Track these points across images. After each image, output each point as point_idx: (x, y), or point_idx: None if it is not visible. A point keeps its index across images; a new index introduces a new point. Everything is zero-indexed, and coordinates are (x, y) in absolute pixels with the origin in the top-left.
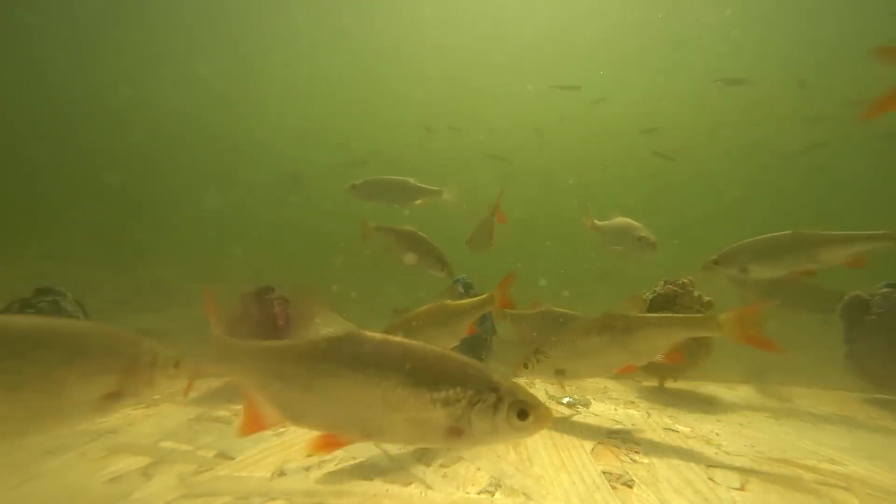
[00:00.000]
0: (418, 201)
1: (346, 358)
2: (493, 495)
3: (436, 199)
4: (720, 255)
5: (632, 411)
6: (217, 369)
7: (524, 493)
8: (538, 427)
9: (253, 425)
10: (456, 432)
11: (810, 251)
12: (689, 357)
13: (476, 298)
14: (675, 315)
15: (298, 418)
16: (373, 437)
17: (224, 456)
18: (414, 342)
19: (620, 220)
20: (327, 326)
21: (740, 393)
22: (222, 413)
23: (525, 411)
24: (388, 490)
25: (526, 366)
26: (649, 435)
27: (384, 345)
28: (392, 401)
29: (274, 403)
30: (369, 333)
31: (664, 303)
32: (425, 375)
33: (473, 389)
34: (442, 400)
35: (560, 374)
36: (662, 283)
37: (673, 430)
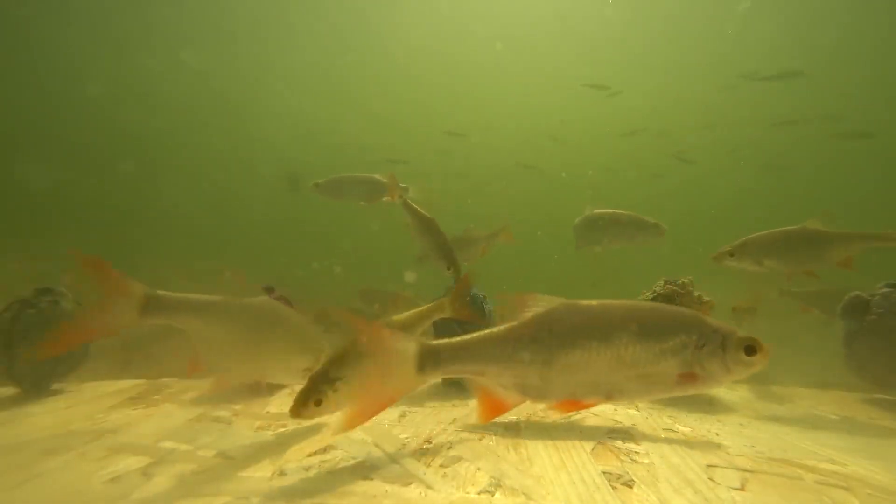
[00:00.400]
0: (385, 198)
1: (577, 327)
2: (493, 495)
3: (404, 195)
4: (734, 246)
5: (632, 411)
6: (446, 374)
7: (524, 493)
8: (765, 360)
9: (493, 412)
10: (689, 378)
11: (822, 248)
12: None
13: (423, 308)
14: None
15: (540, 395)
16: (613, 398)
17: (224, 456)
18: (624, 301)
19: (615, 211)
20: (538, 304)
21: (740, 393)
22: (222, 413)
23: (752, 347)
24: (387, 490)
25: None
26: (649, 435)
27: (604, 308)
28: (627, 359)
29: (511, 387)
30: (583, 302)
31: (664, 302)
32: (651, 329)
33: (697, 334)
34: (671, 349)
35: None
36: (662, 282)
37: (673, 431)
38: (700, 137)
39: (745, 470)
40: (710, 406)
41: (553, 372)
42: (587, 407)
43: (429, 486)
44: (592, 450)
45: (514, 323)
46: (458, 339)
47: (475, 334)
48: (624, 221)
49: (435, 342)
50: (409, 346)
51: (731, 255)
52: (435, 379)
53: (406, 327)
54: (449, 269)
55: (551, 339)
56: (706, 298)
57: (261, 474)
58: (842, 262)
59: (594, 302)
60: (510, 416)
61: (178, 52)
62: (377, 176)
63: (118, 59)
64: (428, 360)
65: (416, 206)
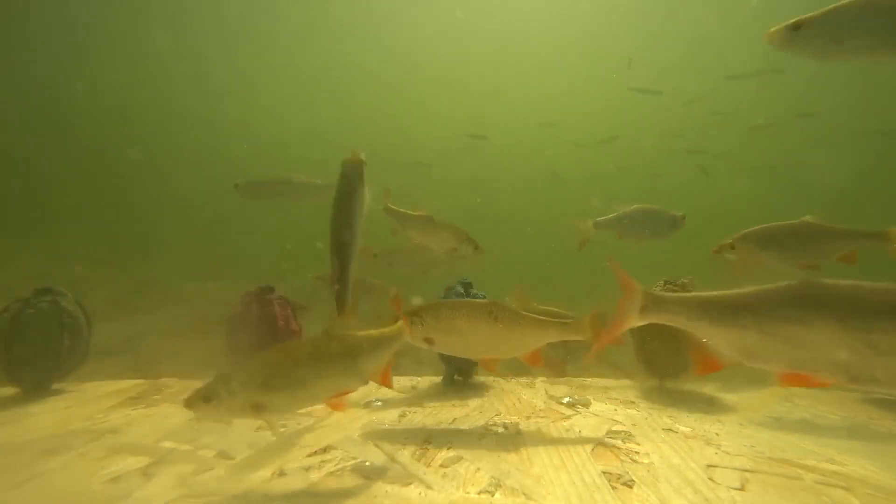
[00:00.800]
0: (310, 198)
1: (812, 304)
2: (493, 495)
3: (329, 196)
4: (736, 238)
5: (632, 411)
6: (659, 319)
7: (524, 493)
8: None
9: (707, 367)
10: None
11: (824, 242)
12: (689, 358)
13: (383, 330)
14: (550, 319)
15: (758, 361)
16: (858, 382)
17: (224, 456)
18: (883, 285)
19: (642, 206)
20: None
21: (740, 393)
22: None
23: None
24: (387, 490)
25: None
26: (649, 435)
27: (854, 287)
28: (882, 346)
29: (727, 347)
30: (826, 280)
31: None
32: None
33: None
34: None
35: (429, 342)
36: (662, 282)
37: (673, 430)
38: (703, 137)
39: (745, 470)
40: (710, 406)
41: (776, 342)
42: (821, 385)
43: (429, 486)
44: (592, 450)
45: (740, 290)
46: (680, 294)
47: (698, 294)
48: (661, 215)
49: (660, 292)
50: (638, 290)
51: (732, 247)
52: (653, 321)
53: (363, 350)
54: (475, 248)
55: (776, 311)
56: None
57: (261, 474)
58: (843, 258)
59: (843, 282)
60: (510, 416)
61: (187, 57)
62: (300, 176)
63: (123, 64)
64: (650, 302)
65: (398, 209)
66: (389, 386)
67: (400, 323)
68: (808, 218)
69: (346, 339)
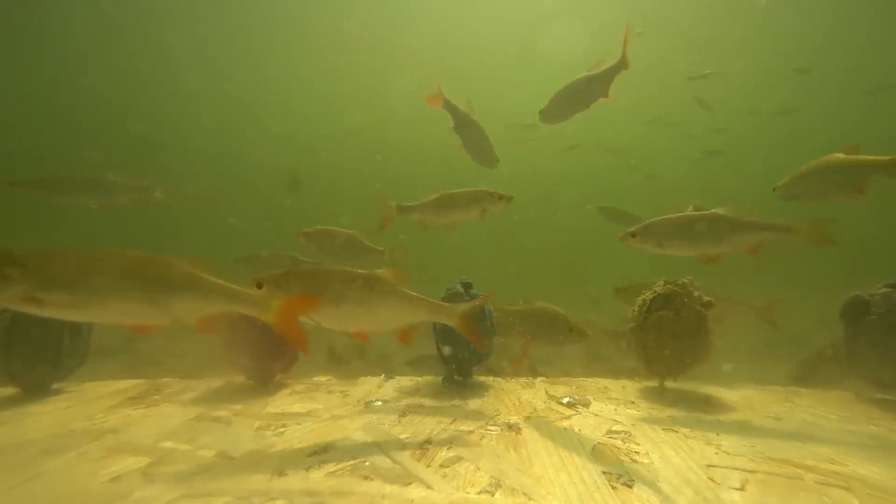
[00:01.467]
0: (124, 198)
1: None
2: (493, 495)
3: (147, 196)
4: (638, 227)
5: (632, 411)
6: None
7: (524, 493)
8: None
9: None
10: None
11: (726, 233)
12: (688, 358)
13: (235, 287)
14: (423, 297)
15: None
16: None
17: (224, 456)
18: None
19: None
20: None
21: (740, 393)
22: (222, 413)
23: None
24: (388, 490)
25: (259, 286)
26: (649, 435)
27: None
28: None
29: None
30: None
31: (664, 303)
32: None
33: None
34: None
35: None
36: (662, 282)
37: (673, 430)
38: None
39: (745, 470)
40: (709, 406)
41: None
42: None
43: (429, 486)
44: (592, 450)
45: None
46: None
47: None
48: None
49: None
50: None
51: (634, 236)
52: None
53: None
54: (501, 199)
55: None
56: (706, 298)
57: (261, 474)
58: (750, 249)
59: None
60: (510, 416)
61: (187, 57)
62: (111, 175)
63: (124, 64)
64: None
65: (409, 204)
66: (207, 331)
67: (259, 293)
68: (719, 210)
69: (172, 271)
